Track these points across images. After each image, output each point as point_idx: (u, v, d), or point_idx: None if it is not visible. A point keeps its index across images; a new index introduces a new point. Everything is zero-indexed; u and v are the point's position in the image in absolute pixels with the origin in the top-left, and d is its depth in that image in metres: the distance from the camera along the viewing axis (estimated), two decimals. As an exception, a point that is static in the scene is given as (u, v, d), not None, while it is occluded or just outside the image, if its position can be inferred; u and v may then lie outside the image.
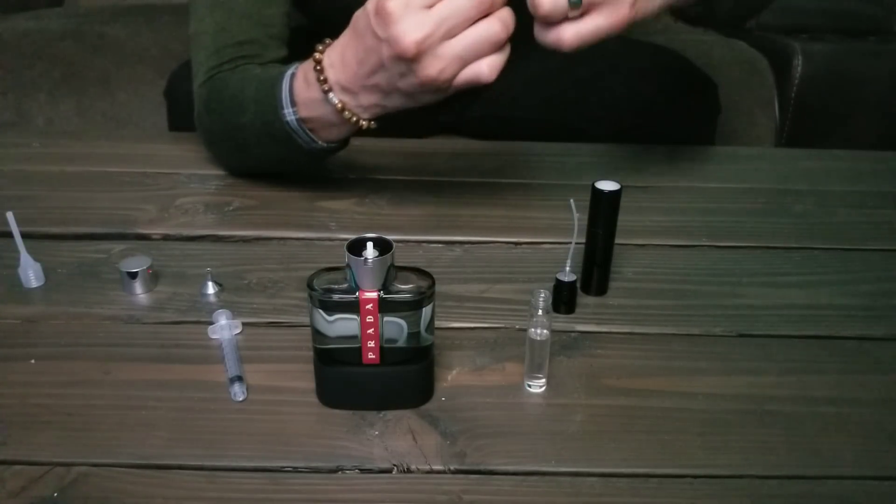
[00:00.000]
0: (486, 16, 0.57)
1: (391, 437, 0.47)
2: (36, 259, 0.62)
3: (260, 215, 0.74)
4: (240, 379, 0.51)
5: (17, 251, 0.61)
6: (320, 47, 0.64)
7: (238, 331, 0.57)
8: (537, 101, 1.00)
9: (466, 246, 0.70)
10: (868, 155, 0.92)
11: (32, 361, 0.53)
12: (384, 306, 0.46)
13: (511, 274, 0.65)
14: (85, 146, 0.88)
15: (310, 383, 0.50)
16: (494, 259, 0.68)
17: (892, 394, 0.52)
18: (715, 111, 1.00)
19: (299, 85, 0.66)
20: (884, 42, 1.43)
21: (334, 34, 0.66)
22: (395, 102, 0.63)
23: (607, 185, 0.58)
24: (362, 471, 0.45)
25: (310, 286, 0.46)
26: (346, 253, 0.45)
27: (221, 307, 0.59)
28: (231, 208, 0.75)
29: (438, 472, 0.45)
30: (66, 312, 0.59)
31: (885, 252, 0.71)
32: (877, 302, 0.63)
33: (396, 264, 0.46)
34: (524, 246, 0.70)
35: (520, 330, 0.58)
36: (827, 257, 0.69)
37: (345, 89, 0.63)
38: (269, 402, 0.50)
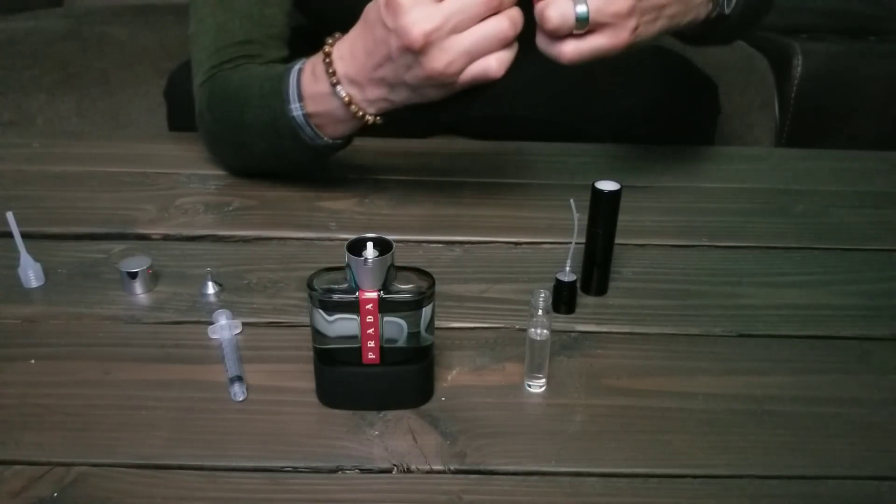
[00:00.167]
0: (494, 13, 0.57)
1: (391, 437, 0.47)
2: (36, 259, 0.62)
3: (260, 215, 0.74)
4: (240, 379, 0.51)
5: (17, 251, 0.61)
6: (330, 40, 0.65)
7: (238, 331, 0.57)
8: (537, 101, 1.00)
9: (466, 246, 0.70)
10: (868, 155, 0.92)
11: (32, 361, 0.53)
12: (384, 306, 0.46)
13: (511, 274, 0.65)
14: (85, 146, 0.88)
15: (310, 383, 0.50)
16: (494, 259, 0.68)
17: (892, 394, 0.53)
18: (715, 111, 1.00)
19: (307, 79, 0.66)
20: (884, 42, 1.43)
21: (324, 42, 0.66)
22: (400, 97, 0.63)
23: (607, 185, 0.58)
24: (362, 471, 0.45)
25: (310, 286, 0.46)
26: (346, 253, 0.45)
27: (221, 307, 0.59)
28: (231, 208, 0.75)
29: (438, 472, 0.45)
30: (66, 312, 0.59)
31: (885, 252, 0.71)
32: (877, 302, 0.63)
33: (396, 264, 0.46)
34: (524, 246, 0.70)
35: (520, 330, 0.58)
36: (827, 257, 0.69)
37: (352, 82, 0.63)
38: (269, 402, 0.50)
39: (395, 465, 0.46)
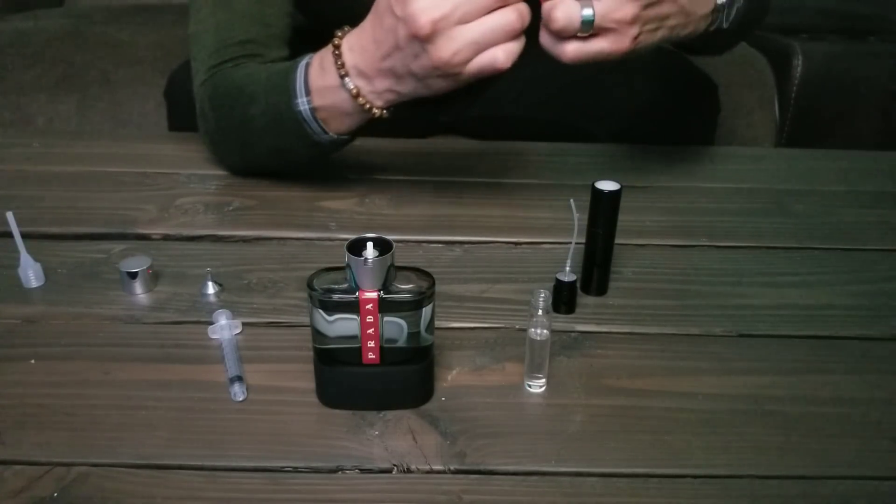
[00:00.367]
0: (502, 6, 0.58)
1: (391, 437, 0.47)
2: (36, 259, 0.62)
3: (260, 215, 0.74)
4: (240, 379, 0.51)
5: (17, 251, 0.61)
6: (339, 33, 0.65)
7: (238, 331, 0.57)
8: (537, 101, 1.00)
9: (466, 246, 0.70)
10: (868, 155, 0.92)
11: (32, 361, 0.53)
12: (384, 306, 0.46)
13: (511, 274, 0.65)
14: (85, 146, 0.88)
15: (310, 383, 0.50)
16: (494, 259, 0.68)
17: (892, 394, 0.53)
18: (715, 111, 1.00)
19: (314, 73, 0.67)
20: (884, 42, 1.43)
21: (334, 34, 0.66)
22: (408, 88, 0.63)
23: (607, 185, 0.58)
24: (362, 471, 0.45)
25: (310, 286, 0.46)
26: (346, 253, 0.45)
27: (221, 307, 0.59)
28: (231, 208, 0.75)
29: (438, 472, 0.45)
30: (66, 312, 0.59)
31: (885, 252, 0.71)
32: (877, 302, 0.63)
33: (396, 264, 0.46)
34: (524, 246, 0.70)
35: (520, 330, 0.58)
36: (827, 257, 0.69)
37: (361, 73, 0.64)
38: (269, 402, 0.50)
39: (395, 465, 0.46)
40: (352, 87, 0.64)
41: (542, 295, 0.49)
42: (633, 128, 0.94)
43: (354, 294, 0.45)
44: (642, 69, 0.97)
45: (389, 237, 0.46)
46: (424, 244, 0.70)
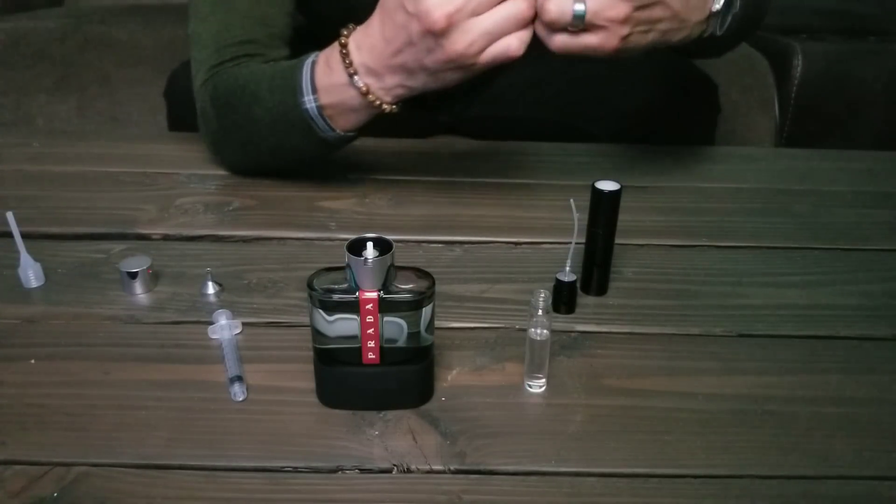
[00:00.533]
0: None
1: (391, 437, 0.47)
2: (36, 259, 0.62)
3: (260, 215, 0.74)
4: (240, 379, 0.51)
5: (17, 251, 0.61)
6: (345, 31, 0.65)
7: (238, 331, 0.57)
8: (537, 101, 1.00)
9: (466, 246, 0.70)
10: (868, 155, 0.92)
11: (32, 361, 0.53)
12: (384, 306, 0.46)
13: (511, 274, 0.65)
14: (85, 146, 0.88)
15: (310, 383, 0.50)
16: (494, 259, 0.68)
17: (892, 394, 0.53)
18: (715, 111, 1.00)
19: (321, 71, 0.67)
20: (884, 42, 1.43)
21: (334, 34, 0.66)
22: (419, 82, 0.64)
23: (607, 185, 0.58)
24: (362, 471, 0.45)
25: (310, 286, 0.46)
26: (346, 253, 0.45)
27: (221, 307, 0.59)
28: (231, 208, 0.75)
29: (438, 472, 0.45)
30: (66, 312, 0.59)
31: (885, 252, 0.71)
32: (877, 302, 0.63)
33: (396, 264, 0.46)
34: (524, 246, 0.70)
35: (520, 330, 0.58)
36: (827, 257, 0.69)
37: (370, 71, 0.64)
38: (269, 402, 0.50)
39: (395, 465, 0.46)
40: (361, 85, 0.64)
41: (542, 295, 0.49)
42: (633, 128, 0.94)
43: (354, 294, 0.45)
44: (642, 69, 0.97)
45: (389, 237, 0.46)
46: (424, 244, 0.70)
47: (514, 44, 0.59)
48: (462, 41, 0.58)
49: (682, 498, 0.44)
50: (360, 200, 0.77)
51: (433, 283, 0.47)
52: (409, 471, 0.45)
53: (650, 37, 0.63)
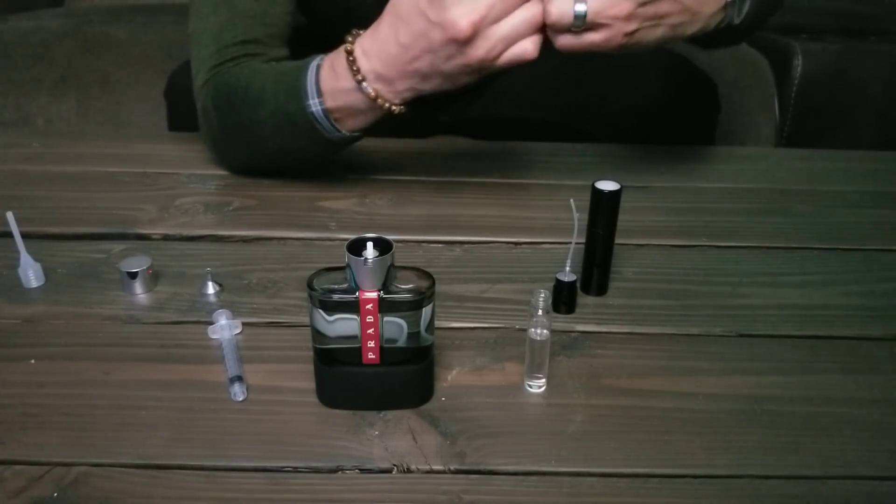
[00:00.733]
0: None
1: (391, 437, 0.47)
2: (36, 259, 0.62)
3: (260, 215, 0.74)
4: (240, 379, 0.51)
5: (17, 251, 0.61)
6: (350, 38, 0.65)
7: (238, 331, 0.57)
8: (537, 101, 1.00)
9: (466, 246, 0.70)
10: (868, 155, 0.92)
11: (32, 361, 0.53)
12: (384, 306, 0.46)
13: (511, 274, 0.65)
14: (85, 146, 0.88)
15: (310, 383, 0.50)
16: (494, 259, 0.68)
17: (892, 394, 0.53)
18: (715, 111, 1.00)
19: (326, 76, 0.67)
20: (884, 42, 1.43)
21: (334, 34, 0.66)
22: (431, 86, 0.65)
23: (607, 185, 0.58)
24: (362, 471, 0.45)
25: (310, 286, 0.46)
26: (346, 253, 0.45)
27: (221, 307, 0.59)
28: (231, 208, 0.75)
29: (438, 472, 0.45)
30: (66, 312, 0.59)
31: (885, 252, 0.71)
32: (877, 302, 0.63)
33: (396, 264, 0.46)
34: (524, 246, 0.70)
35: (520, 330, 0.58)
36: (827, 257, 0.69)
37: (380, 77, 0.64)
38: (269, 402, 0.50)
39: (395, 465, 0.46)
40: (370, 91, 0.65)
41: (542, 295, 0.49)
42: (633, 128, 0.94)
43: (354, 294, 0.45)
44: (642, 69, 0.97)
45: (389, 237, 0.46)
46: (424, 244, 0.70)
47: (530, 47, 0.61)
48: (483, 47, 0.59)
49: (682, 498, 0.44)
50: (360, 200, 0.77)
51: (433, 283, 0.47)
52: (409, 471, 0.45)
53: (659, 32, 0.63)
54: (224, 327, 0.56)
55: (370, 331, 0.46)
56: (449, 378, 0.53)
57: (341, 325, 0.46)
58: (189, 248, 0.69)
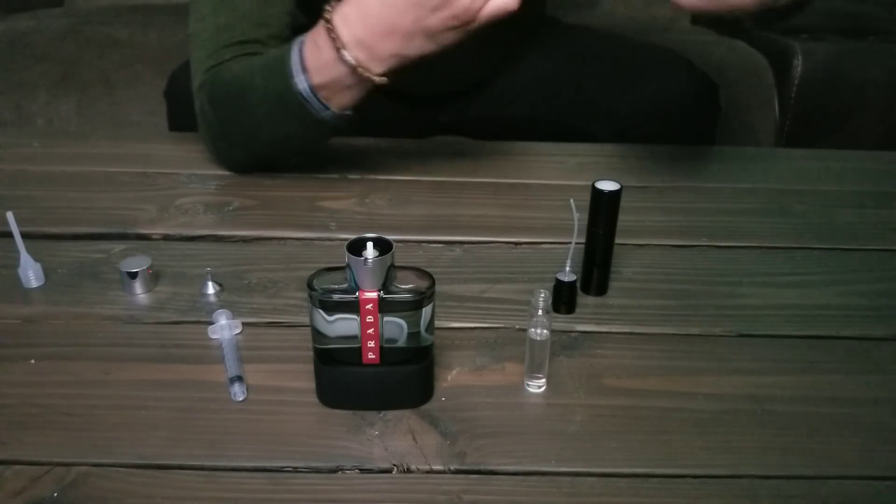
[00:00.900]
0: None
1: (391, 437, 0.47)
2: (36, 259, 0.62)
3: (260, 215, 0.74)
4: (240, 379, 0.51)
5: (17, 251, 0.61)
6: (328, 7, 0.65)
7: (238, 331, 0.57)
8: (537, 101, 1.00)
9: (466, 246, 0.70)
10: (868, 155, 0.92)
11: (32, 361, 0.53)
12: (384, 306, 0.46)
13: (511, 274, 0.65)
14: (85, 146, 0.88)
15: (310, 383, 0.50)
16: (494, 259, 0.68)
17: (892, 394, 0.53)
18: (715, 111, 1.00)
19: (310, 51, 0.67)
20: (884, 42, 1.43)
21: (323, 10, 0.66)
22: (414, 48, 0.64)
23: (607, 185, 0.58)
24: (362, 471, 0.45)
25: (310, 286, 0.46)
26: (346, 253, 0.45)
27: (221, 307, 0.59)
28: (231, 208, 0.75)
29: (438, 472, 0.45)
30: (66, 312, 0.59)
31: (885, 252, 0.71)
32: (877, 302, 0.63)
33: (396, 264, 0.46)
34: (524, 246, 0.70)
35: (520, 330, 0.58)
36: (827, 257, 0.69)
37: (360, 43, 0.64)
38: (269, 402, 0.50)
39: (395, 465, 0.46)
40: (350, 58, 0.64)
41: (542, 295, 0.49)
42: (634, 128, 0.94)
43: (354, 294, 0.45)
44: (642, 69, 0.97)
45: (389, 237, 0.46)
46: (424, 244, 0.70)
47: None
48: None
49: (682, 498, 0.44)
50: (360, 200, 0.77)
51: (433, 283, 0.47)
52: (409, 471, 0.45)
53: None
54: (224, 327, 0.56)
55: (370, 331, 0.46)
56: (449, 378, 0.53)
57: (341, 325, 0.46)
58: (189, 248, 0.69)
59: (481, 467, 0.46)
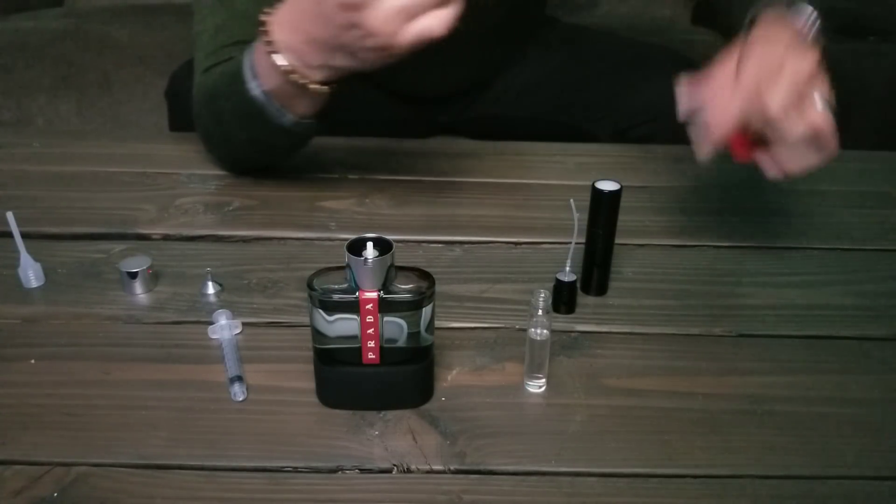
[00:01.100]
0: None
1: (391, 437, 0.47)
2: (36, 259, 0.62)
3: (260, 215, 0.74)
4: (240, 379, 0.51)
5: (17, 251, 0.61)
6: (268, 10, 0.63)
7: (238, 331, 0.57)
8: (537, 101, 1.00)
9: (466, 246, 0.70)
10: (868, 155, 0.92)
11: (32, 361, 0.53)
12: (384, 306, 0.46)
13: (511, 274, 0.65)
14: (85, 146, 0.88)
15: (310, 383, 0.50)
16: (494, 259, 0.68)
17: (892, 394, 0.53)
18: (715, 111, 1.00)
19: (258, 55, 0.65)
20: (884, 42, 1.43)
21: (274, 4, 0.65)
22: (340, 62, 0.61)
23: (607, 185, 0.58)
24: (362, 471, 0.45)
25: (310, 286, 0.46)
26: (346, 253, 0.45)
27: (221, 307, 0.59)
28: (231, 208, 0.75)
29: (438, 472, 0.45)
30: (66, 312, 0.59)
31: (885, 252, 0.71)
32: (877, 302, 0.63)
33: (396, 264, 0.46)
34: (524, 246, 0.70)
35: (520, 330, 0.58)
36: (827, 257, 0.69)
37: (290, 49, 0.62)
38: (269, 402, 0.50)
39: (395, 465, 0.46)
40: (283, 63, 0.62)
41: (542, 295, 0.49)
42: (634, 128, 0.94)
43: (354, 294, 0.45)
44: (643, 70, 0.97)
45: (389, 237, 0.46)
46: (424, 244, 0.70)
47: (434, 23, 0.55)
48: (379, 17, 0.55)
49: (682, 498, 0.44)
50: (360, 200, 0.77)
51: (433, 283, 0.47)
52: (409, 471, 0.45)
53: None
54: (224, 327, 0.56)
55: (370, 331, 0.46)
56: (449, 378, 0.53)
57: (341, 325, 0.46)
58: (189, 248, 0.69)
59: (481, 467, 0.46)
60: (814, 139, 0.58)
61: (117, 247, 0.68)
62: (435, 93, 0.98)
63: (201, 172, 0.82)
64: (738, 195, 0.81)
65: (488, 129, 1.01)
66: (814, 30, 0.67)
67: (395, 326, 0.47)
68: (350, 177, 0.82)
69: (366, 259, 0.44)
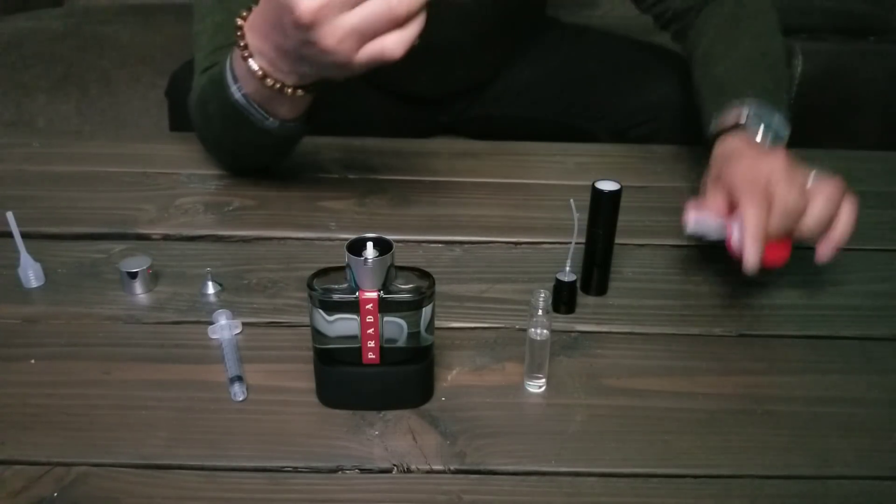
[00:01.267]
0: None
1: (391, 437, 0.47)
2: (36, 259, 0.62)
3: (260, 215, 0.74)
4: (240, 379, 0.51)
5: (17, 251, 0.61)
6: (244, 12, 0.63)
7: (238, 331, 0.57)
8: (537, 101, 1.00)
9: (466, 246, 0.70)
10: (868, 155, 0.92)
11: (32, 361, 0.53)
12: (384, 306, 0.46)
13: (511, 274, 0.65)
14: (85, 146, 0.88)
15: (310, 383, 0.50)
16: (494, 259, 0.68)
17: (892, 394, 0.53)
18: (715, 111, 1.00)
19: (236, 59, 0.65)
20: (884, 42, 1.43)
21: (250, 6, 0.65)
22: (308, 70, 0.61)
23: (607, 185, 0.58)
24: (362, 471, 0.45)
25: (310, 286, 0.46)
26: (346, 253, 0.45)
27: (221, 307, 0.59)
28: (231, 208, 0.75)
29: (438, 472, 0.45)
30: (66, 312, 0.59)
31: (885, 252, 0.71)
32: (877, 302, 0.63)
33: (396, 264, 0.46)
34: (524, 246, 0.70)
35: (520, 330, 0.58)
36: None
37: (261, 53, 0.62)
38: (269, 402, 0.50)
39: (395, 465, 0.46)
40: (256, 68, 0.62)
41: (542, 295, 0.49)
42: (634, 128, 0.94)
43: (354, 294, 0.45)
44: (643, 70, 0.97)
45: (389, 237, 0.46)
46: (424, 244, 0.70)
47: (390, 46, 0.55)
48: (332, 37, 0.54)
49: (682, 498, 0.44)
50: (360, 200, 0.77)
51: (433, 283, 0.47)
52: (409, 471, 0.45)
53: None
54: (224, 327, 0.56)
55: (370, 331, 0.46)
56: (449, 378, 0.53)
57: (341, 325, 0.46)
58: (189, 248, 0.69)
59: (481, 467, 0.46)
60: (834, 208, 0.59)
61: (117, 247, 0.68)
62: (435, 93, 0.99)
63: (201, 172, 0.82)
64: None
65: (488, 129, 1.01)
66: (771, 140, 0.70)
67: (395, 326, 0.47)
68: (350, 177, 0.82)
69: (366, 259, 0.44)
